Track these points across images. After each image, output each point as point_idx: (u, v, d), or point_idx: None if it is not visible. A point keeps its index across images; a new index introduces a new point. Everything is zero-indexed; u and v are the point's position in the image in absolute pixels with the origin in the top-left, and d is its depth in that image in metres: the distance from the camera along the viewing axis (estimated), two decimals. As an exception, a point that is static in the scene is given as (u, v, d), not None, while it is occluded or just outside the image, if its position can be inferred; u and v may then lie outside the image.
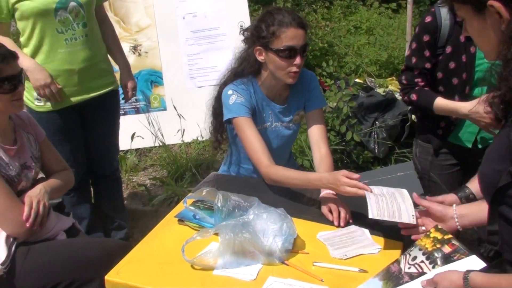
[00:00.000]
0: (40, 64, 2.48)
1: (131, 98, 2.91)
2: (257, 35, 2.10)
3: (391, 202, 1.64)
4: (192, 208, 1.83)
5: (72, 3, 2.47)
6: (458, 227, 1.55)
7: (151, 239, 1.77)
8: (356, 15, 7.37)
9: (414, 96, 2.18)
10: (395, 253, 1.64)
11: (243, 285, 1.51)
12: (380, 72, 5.69)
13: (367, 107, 4.06)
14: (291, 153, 2.63)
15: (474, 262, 1.33)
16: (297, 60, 2.04)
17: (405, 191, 1.73)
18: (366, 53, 5.89)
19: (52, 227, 2.06)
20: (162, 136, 4.20)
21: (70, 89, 2.57)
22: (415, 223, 1.60)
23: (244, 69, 2.20)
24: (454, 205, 1.59)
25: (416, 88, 2.19)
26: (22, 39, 2.51)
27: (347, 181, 1.74)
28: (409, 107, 4.15)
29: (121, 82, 2.85)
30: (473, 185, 1.69)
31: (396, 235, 1.72)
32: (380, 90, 4.54)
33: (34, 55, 2.49)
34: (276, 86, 2.20)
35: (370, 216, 1.59)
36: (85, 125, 2.75)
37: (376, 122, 4.01)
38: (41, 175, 2.17)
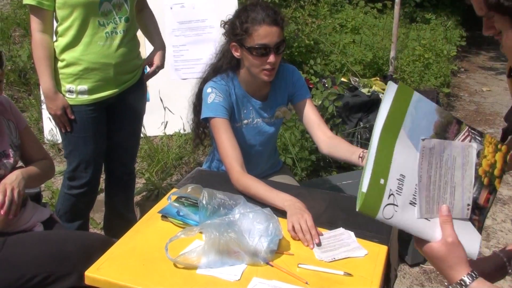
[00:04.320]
0: (78, 55, 2.39)
1: (152, 75, 2.78)
2: (232, 32, 2.08)
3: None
4: (176, 204, 1.79)
5: None
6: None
7: (133, 234, 1.73)
8: (342, 13, 7.38)
9: None
10: (381, 257, 1.64)
11: (227, 285, 1.48)
12: (365, 71, 5.70)
13: (351, 107, 4.06)
14: (276, 149, 2.60)
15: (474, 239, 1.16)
16: (271, 58, 2.02)
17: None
18: (351, 52, 5.89)
19: (29, 218, 2.01)
20: (144, 127, 4.13)
21: (104, 83, 2.48)
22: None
23: (223, 65, 2.18)
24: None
25: None
26: (60, 28, 2.39)
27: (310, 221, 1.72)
28: None
29: (152, 54, 2.73)
30: None
31: (381, 239, 1.72)
32: (365, 90, 4.55)
33: (71, 45, 2.38)
34: (255, 82, 2.17)
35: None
36: (111, 123, 2.65)
37: (360, 122, 4.01)
38: (20, 164, 2.11)
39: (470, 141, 1.16)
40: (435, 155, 1.12)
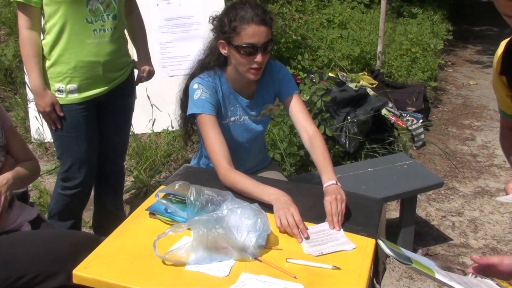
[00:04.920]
0: (66, 53, 2.37)
1: (141, 81, 2.78)
2: (220, 29, 2.06)
3: None
4: (164, 201, 1.79)
5: None
6: None
7: (122, 232, 1.72)
8: (329, 9, 7.38)
9: None
10: (369, 250, 1.64)
11: (215, 281, 1.48)
12: (352, 66, 5.72)
13: (339, 102, 4.07)
14: (265, 146, 2.61)
15: None
16: (258, 58, 2.01)
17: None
18: (339, 47, 5.90)
19: (16, 218, 1.99)
20: (132, 125, 4.11)
21: (93, 81, 2.46)
22: None
23: (210, 61, 2.17)
24: None
25: None
26: (47, 26, 2.37)
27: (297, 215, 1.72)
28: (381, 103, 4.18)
29: (138, 67, 2.73)
30: None
31: (369, 232, 1.73)
32: (352, 85, 4.56)
33: (58, 43, 2.36)
34: (242, 80, 2.17)
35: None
36: (102, 121, 2.64)
37: (348, 117, 4.02)
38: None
39: (481, 278, 1.30)
40: (453, 276, 1.27)
